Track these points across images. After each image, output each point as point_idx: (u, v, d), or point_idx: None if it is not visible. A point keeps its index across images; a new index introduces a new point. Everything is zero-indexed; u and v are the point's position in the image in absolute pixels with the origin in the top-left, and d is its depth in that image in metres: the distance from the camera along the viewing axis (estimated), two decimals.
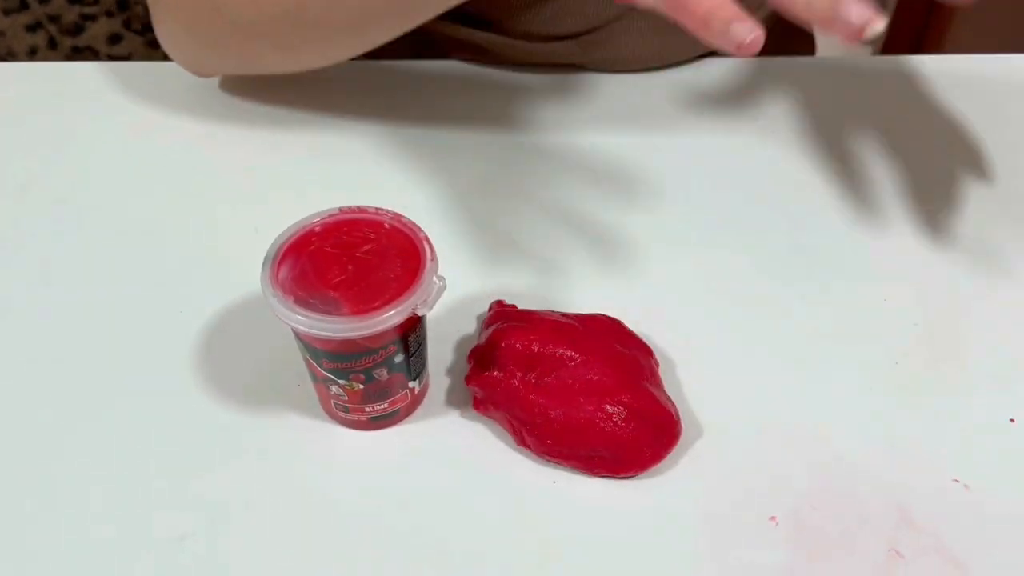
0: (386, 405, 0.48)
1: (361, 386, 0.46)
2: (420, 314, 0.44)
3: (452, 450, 0.49)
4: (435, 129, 0.69)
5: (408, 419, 0.51)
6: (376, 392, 0.47)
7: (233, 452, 0.49)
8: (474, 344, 0.52)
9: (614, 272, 0.59)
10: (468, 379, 0.50)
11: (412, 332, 0.46)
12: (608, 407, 0.48)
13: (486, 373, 0.49)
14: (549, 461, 0.48)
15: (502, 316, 0.52)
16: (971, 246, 0.60)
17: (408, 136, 0.68)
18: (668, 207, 0.64)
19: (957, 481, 0.48)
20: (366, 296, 0.43)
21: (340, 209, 0.47)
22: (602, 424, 0.47)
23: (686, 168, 0.66)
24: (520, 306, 0.54)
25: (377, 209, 0.47)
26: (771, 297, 0.57)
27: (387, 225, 0.46)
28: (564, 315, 0.52)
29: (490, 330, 0.51)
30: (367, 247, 0.46)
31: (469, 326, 0.55)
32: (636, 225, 0.62)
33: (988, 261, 0.60)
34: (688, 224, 0.62)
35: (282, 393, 0.51)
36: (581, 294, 0.57)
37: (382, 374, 0.46)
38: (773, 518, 0.47)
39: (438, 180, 0.65)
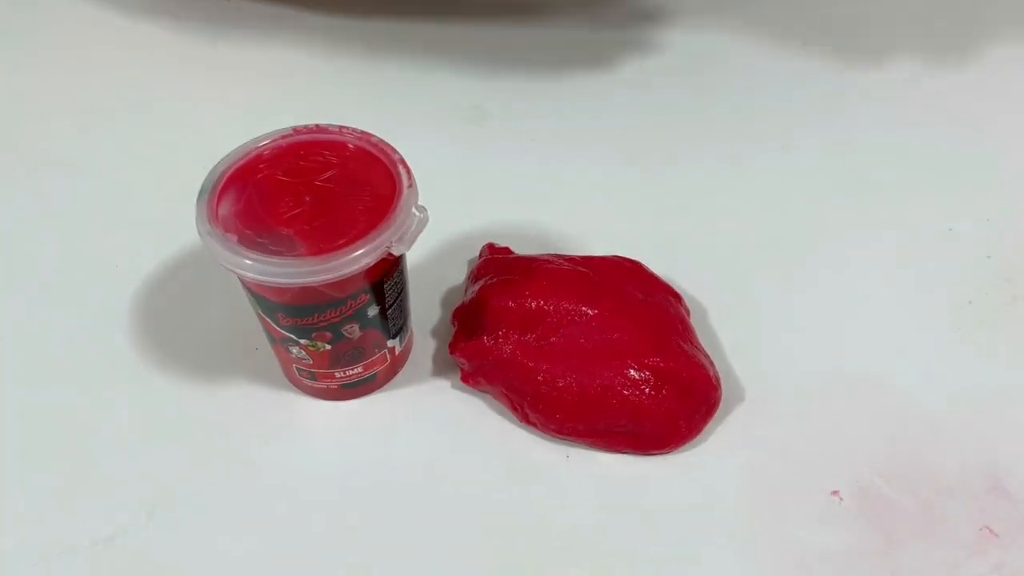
0: (360, 369, 0.40)
1: (328, 346, 0.38)
2: (396, 254, 0.35)
3: (441, 423, 0.41)
4: (416, 48, 0.59)
5: (388, 386, 0.42)
6: (347, 354, 0.38)
7: (179, 431, 0.40)
8: (460, 300, 0.43)
9: (629, 207, 0.50)
10: (452, 347, 0.41)
11: (389, 278, 0.37)
12: (632, 371, 0.39)
13: (472, 340, 0.41)
14: (560, 439, 0.40)
15: (492, 267, 0.43)
16: None
17: (385, 53, 0.59)
18: (687, 126, 0.54)
19: None
20: (328, 233, 0.34)
21: (294, 129, 0.38)
22: (626, 393, 0.39)
23: (711, 83, 0.57)
24: (518, 249, 0.45)
25: (341, 128, 0.38)
26: (817, 231, 0.49)
27: (351, 146, 0.37)
28: (571, 260, 0.44)
29: (477, 285, 0.42)
30: (328, 173, 0.37)
31: (459, 274, 0.46)
32: (652, 151, 0.53)
33: None
34: (714, 146, 0.53)
35: (237, 359, 0.43)
36: (591, 234, 0.48)
37: (353, 331, 0.37)
38: (836, 493, 0.38)
39: (421, 102, 0.56)
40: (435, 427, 0.41)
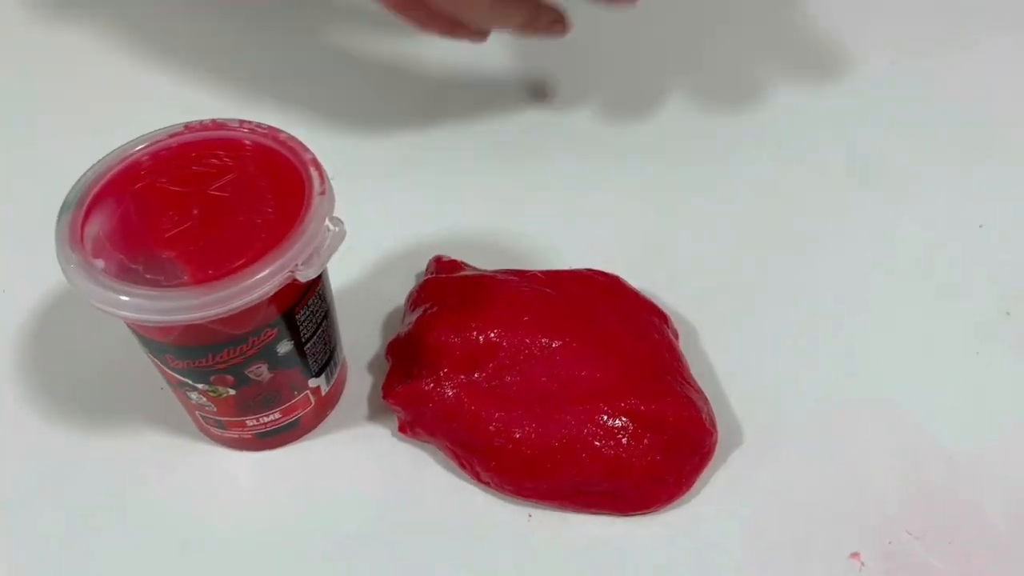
0: (277, 415, 0.33)
1: (232, 391, 0.31)
2: (302, 279, 0.28)
3: (379, 477, 0.34)
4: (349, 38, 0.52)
5: (315, 432, 0.35)
6: (257, 399, 0.32)
7: (67, 485, 0.33)
8: (397, 331, 0.36)
9: (604, 213, 0.43)
10: (385, 391, 0.34)
11: (303, 306, 0.30)
12: (606, 417, 0.32)
13: (408, 383, 0.33)
14: (521, 501, 0.33)
15: (432, 290, 0.36)
16: None
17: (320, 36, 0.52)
18: (671, 122, 0.47)
19: None
20: (218, 254, 0.27)
21: (186, 126, 0.31)
22: (598, 445, 0.32)
23: (699, 77, 0.50)
24: (474, 263, 0.38)
25: (242, 123, 0.31)
26: (823, 235, 0.42)
27: (248, 143, 0.30)
28: (531, 277, 0.36)
29: (416, 314, 0.35)
30: (226, 179, 0.30)
31: (405, 293, 0.39)
32: (631, 150, 0.46)
33: None
34: (702, 143, 0.46)
35: (139, 401, 0.36)
36: (560, 245, 0.41)
37: (261, 372, 0.31)
38: (856, 555, 0.32)
39: (366, 95, 0.48)
40: (371, 481, 0.34)
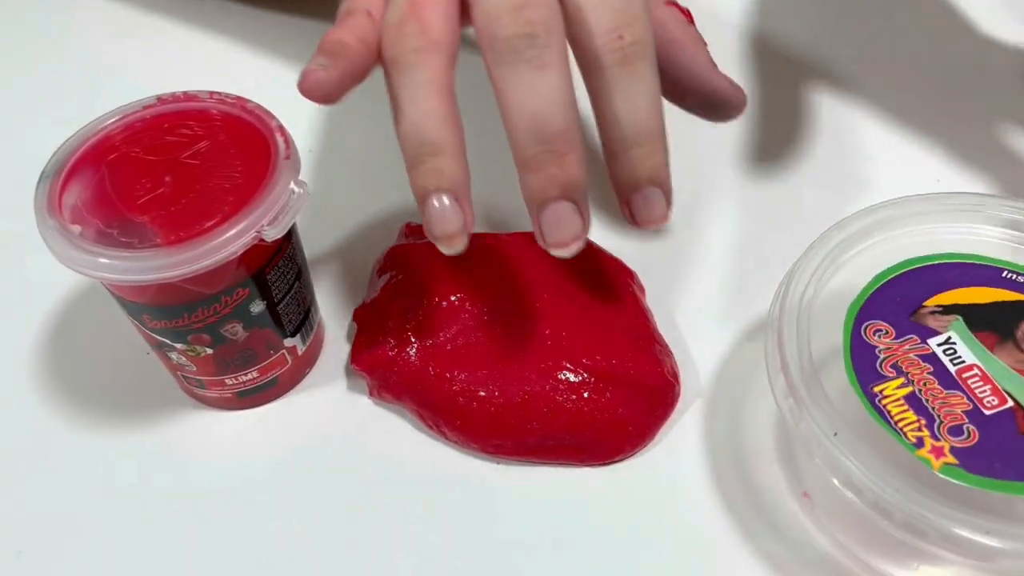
0: (255, 374, 0.34)
1: (209, 350, 0.32)
2: (268, 239, 0.29)
3: (353, 435, 0.35)
4: None
5: (295, 390, 0.37)
6: (234, 357, 0.33)
7: (51, 451, 0.35)
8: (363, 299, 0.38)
9: None
10: (352, 358, 0.35)
11: (273, 267, 0.32)
12: (567, 374, 0.33)
13: (373, 349, 0.35)
14: (488, 457, 0.34)
15: (397, 258, 0.37)
16: None
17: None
18: None
19: None
20: (189, 217, 0.29)
21: (158, 98, 0.33)
22: (559, 400, 0.33)
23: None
24: None
25: (212, 94, 0.33)
26: (791, 189, 0.43)
27: (218, 113, 0.32)
28: (496, 238, 0.37)
29: (381, 282, 0.36)
30: (197, 147, 0.31)
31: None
32: None
33: None
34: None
35: (125, 364, 0.37)
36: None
37: (236, 331, 0.32)
38: (807, 495, 0.33)
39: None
40: (345, 439, 0.35)
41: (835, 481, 0.28)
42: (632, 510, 0.33)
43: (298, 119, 0.41)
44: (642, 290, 0.38)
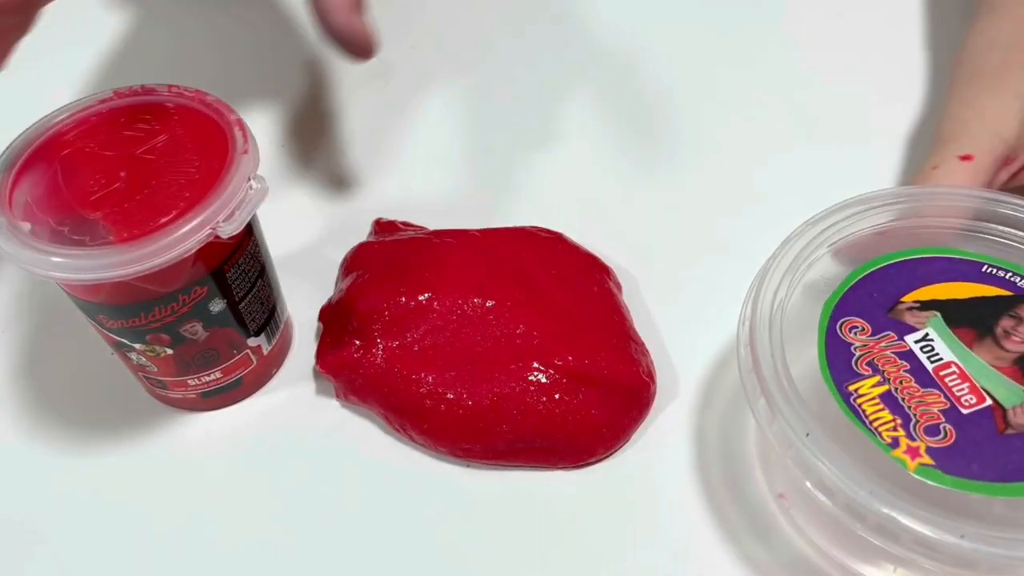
0: (218, 374, 0.34)
1: (169, 350, 0.31)
2: (223, 235, 0.28)
3: (324, 436, 0.34)
4: None
5: (263, 391, 0.36)
6: (195, 357, 0.32)
7: (10, 456, 0.34)
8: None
9: (551, 172, 0.43)
10: (317, 360, 0.34)
11: (232, 265, 0.31)
12: (538, 375, 0.33)
13: (338, 350, 0.34)
14: (458, 461, 0.33)
15: (364, 257, 0.36)
16: None
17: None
18: (611, 79, 0.47)
19: None
20: (142, 213, 0.28)
21: (115, 92, 0.32)
22: (529, 402, 0.32)
23: (639, 36, 0.50)
24: (422, 223, 0.39)
25: (170, 87, 0.32)
26: (767, 186, 0.42)
27: (175, 107, 0.31)
28: (467, 235, 0.37)
29: (347, 281, 0.36)
30: (154, 142, 0.30)
31: None
32: (572, 107, 0.46)
33: None
34: (638, 103, 0.46)
35: (86, 366, 0.36)
36: (505, 207, 0.42)
37: (196, 331, 0.31)
38: (783, 496, 0.32)
39: (299, 66, 0.48)
40: (312, 441, 0.34)
41: (808, 483, 0.27)
42: (605, 513, 0.32)
43: (273, 116, 0.40)
44: (619, 287, 0.37)
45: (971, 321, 0.30)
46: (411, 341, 0.33)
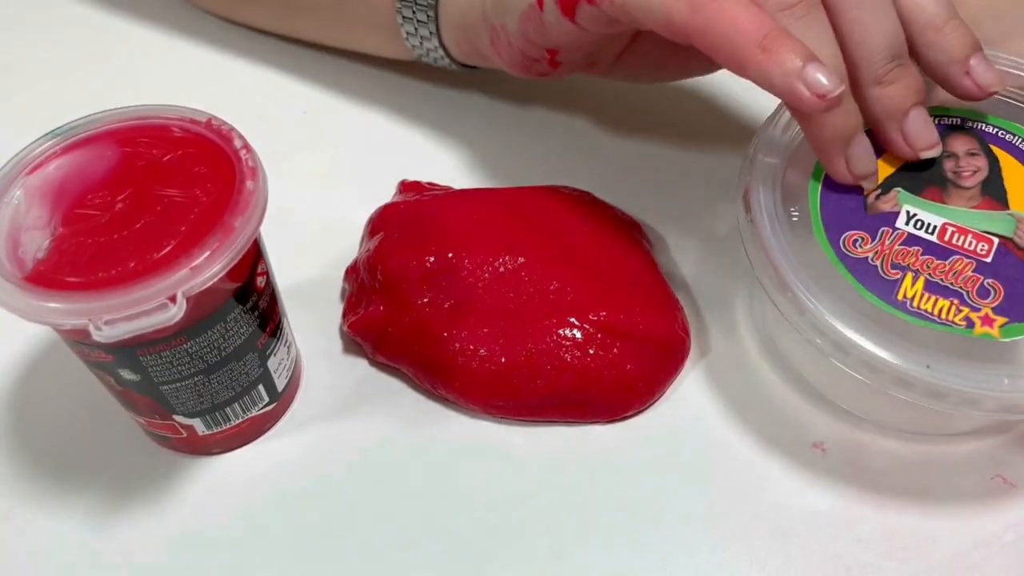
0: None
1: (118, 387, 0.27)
2: (97, 337, 0.23)
3: (353, 394, 0.32)
4: None
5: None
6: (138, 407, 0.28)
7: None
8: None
9: (582, 135, 0.40)
10: (345, 320, 0.33)
11: (151, 353, 0.25)
12: (573, 331, 0.31)
13: (366, 310, 0.32)
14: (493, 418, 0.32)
15: (390, 216, 0.34)
16: None
17: None
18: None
19: None
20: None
21: None
22: (566, 357, 0.31)
23: None
24: (448, 184, 0.37)
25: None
26: None
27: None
28: (496, 193, 0.35)
29: (374, 240, 0.34)
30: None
31: None
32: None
33: None
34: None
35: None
36: (534, 166, 0.39)
37: (109, 382, 0.27)
38: (818, 445, 0.29)
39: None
40: (346, 402, 0.32)
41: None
42: (641, 466, 0.30)
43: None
44: (650, 244, 0.36)
45: (925, 180, 0.29)
46: (440, 299, 0.32)
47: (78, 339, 0.25)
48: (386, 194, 0.37)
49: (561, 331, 0.31)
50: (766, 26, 0.26)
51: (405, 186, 0.37)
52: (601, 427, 0.31)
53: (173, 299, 0.23)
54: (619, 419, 0.31)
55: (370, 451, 0.31)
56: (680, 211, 0.37)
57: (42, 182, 0.26)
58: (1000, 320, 0.26)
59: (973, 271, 0.27)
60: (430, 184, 0.37)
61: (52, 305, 0.23)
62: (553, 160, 0.39)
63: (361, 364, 0.33)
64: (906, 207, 0.29)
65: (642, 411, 0.31)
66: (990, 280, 0.27)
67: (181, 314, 0.23)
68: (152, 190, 0.25)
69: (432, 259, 0.32)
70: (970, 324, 0.26)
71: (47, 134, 0.27)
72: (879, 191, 0.29)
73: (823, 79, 0.25)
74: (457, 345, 0.31)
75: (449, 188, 0.37)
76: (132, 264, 0.24)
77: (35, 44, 0.44)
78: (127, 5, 0.46)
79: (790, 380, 0.32)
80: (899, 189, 0.29)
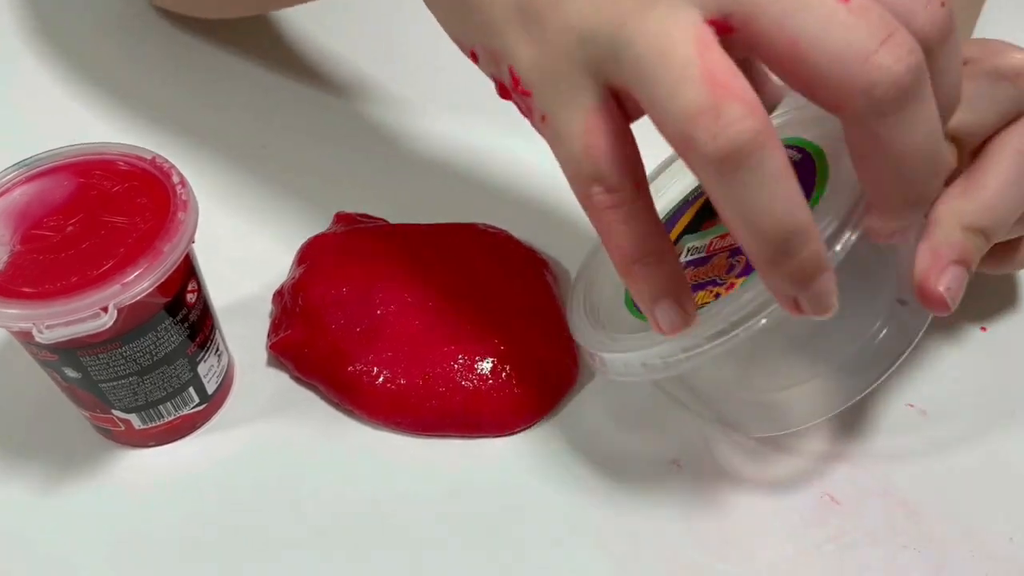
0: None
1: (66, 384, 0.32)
2: (39, 339, 0.28)
3: (273, 407, 0.36)
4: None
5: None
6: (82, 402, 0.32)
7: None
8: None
9: (506, 174, 0.44)
10: (269, 340, 0.37)
11: (90, 355, 0.30)
12: (468, 357, 0.35)
13: (288, 332, 0.36)
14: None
15: (316, 248, 0.38)
16: None
17: None
18: None
19: (912, 406, 0.35)
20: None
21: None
22: (459, 380, 0.35)
23: None
24: (382, 216, 0.41)
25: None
26: None
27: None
28: (414, 229, 0.39)
29: (300, 268, 0.38)
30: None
31: None
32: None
33: None
34: None
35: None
36: (457, 203, 0.42)
37: (56, 378, 0.31)
38: (675, 461, 0.33)
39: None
40: (265, 414, 0.36)
41: None
42: (528, 476, 0.34)
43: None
44: (555, 279, 0.39)
45: (704, 216, 0.33)
46: (352, 324, 0.36)
47: (25, 340, 0.29)
48: (324, 223, 0.41)
49: (457, 356, 0.35)
50: (637, 251, 0.26)
51: (339, 217, 0.40)
52: (492, 440, 0.35)
53: (105, 309, 0.28)
54: (508, 433, 0.35)
55: (283, 452, 0.34)
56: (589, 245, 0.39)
57: (7, 205, 0.30)
58: (740, 280, 0.28)
59: (726, 259, 0.30)
60: (363, 216, 0.40)
61: (3, 311, 0.27)
62: (485, 196, 0.43)
63: (284, 376, 0.36)
64: (686, 246, 0.32)
65: (530, 427, 0.35)
66: (737, 257, 0.29)
67: (111, 322, 0.28)
68: (99, 216, 0.30)
69: (346, 289, 0.36)
70: (718, 297, 0.28)
71: (14, 164, 0.31)
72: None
73: (668, 321, 0.27)
74: (362, 367, 0.35)
75: (381, 220, 0.40)
76: (74, 279, 0.28)
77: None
78: (98, 49, 0.50)
79: (660, 399, 0.35)
80: (685, 238, 0.32)
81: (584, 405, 0.35)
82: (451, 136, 0.46)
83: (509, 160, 0.44)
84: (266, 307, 0.39)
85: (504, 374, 0.35)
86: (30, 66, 0.50)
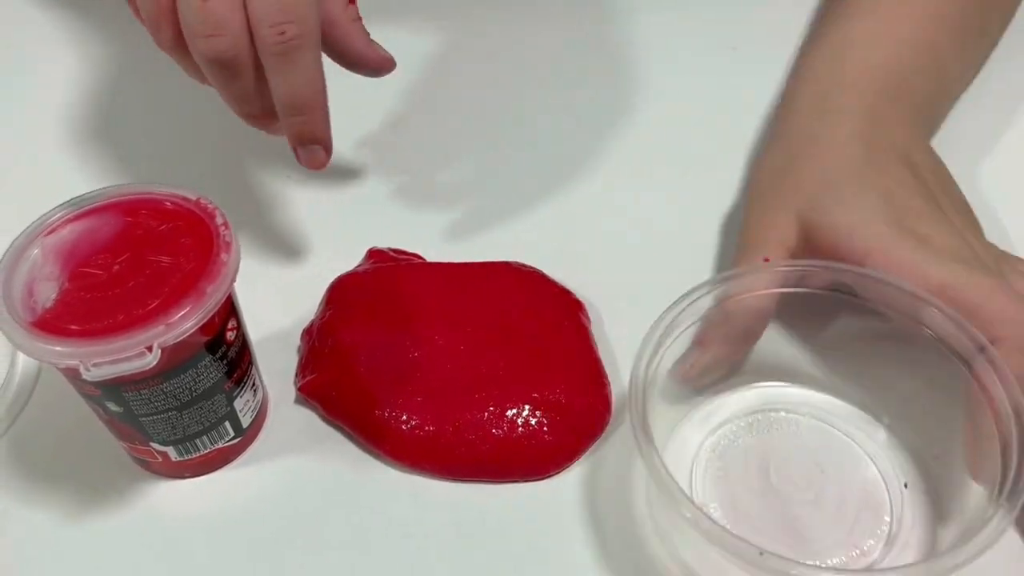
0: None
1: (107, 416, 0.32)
2: (86, 376, 0.29)
3: (302, 449, 0.36)
4: None
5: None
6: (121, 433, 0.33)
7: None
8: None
9: (539, 212, 0.44)
10: (298, 381, 0.37)
11: (132, 391, 0.31)
12: (499, 405, 0.35)
13: (317, 373, 0.36)
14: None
15: (344, 289, 0.38)
16: None
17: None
18: (590, 128, 0.48)
19: None
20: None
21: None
22: (490, 428, 0.34)
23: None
24: (417, 251, 0.41)
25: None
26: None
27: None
28: (446, 268, 0.39)
29: (330, 308, 0.38)
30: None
31: None
32: (561, 155, 0.47)
33: None
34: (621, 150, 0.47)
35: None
36: (492, 240, 0.43)
37: (97, 411, 0.32)
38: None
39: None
40: (295, 455, 0.36)
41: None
42: (551, 521, 0.33)
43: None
44: (589, 320, 0.38)
45: None
46: (382, 369, 0.35)
47: (71, 375, 0.30)
48: (357, 256, 0.41)
49: (488, 404, 0.34)
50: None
51: (372, 254, 0.41)
52: (520, 484, 0.34)
53: (150, 348, 0.28)
54: (533, 479, 0.34)
55: (312, 489, 0.35)
56: (626, 291, 0.40)
57: (56, 242, 0.31)
58: None
59: None
60: (396, 252, 0.40)
61: (52, 348, 0.28)
62: (516, 232, 0.43)
63: (314, 413, 0.37)
64: None
65: (559, 472, 0.34)
66: None
67: (155, 361, 0.28)
68: (145, 255, 0.30)
69: (375, 333, 0.36)
70: None
71: (64, 203, 0.32)
72: None
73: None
74: (391, 412, 0.35)
75: (415, 256, 0.41)
76: (120, 317, 0.29)
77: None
78: (138, 86, 0.52)
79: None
80: None
81: (615, 449, 0.35)
82: (488, 171, 0.46)
83: (543, 197, 0.45)
84: (297, 341, 0.39)
85: (535, 421, 0.34)
86: (80, 107, 0.51)
